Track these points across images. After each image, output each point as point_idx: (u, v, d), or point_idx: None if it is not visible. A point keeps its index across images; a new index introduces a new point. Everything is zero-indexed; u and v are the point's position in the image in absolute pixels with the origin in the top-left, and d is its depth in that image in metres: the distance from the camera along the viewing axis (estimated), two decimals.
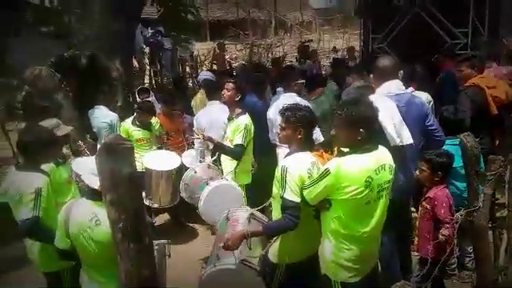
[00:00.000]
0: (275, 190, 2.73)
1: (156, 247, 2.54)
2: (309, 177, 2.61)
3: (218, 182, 4.00)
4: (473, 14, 7.82)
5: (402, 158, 3.21)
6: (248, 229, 2.74)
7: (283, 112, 2.81)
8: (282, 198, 2.59)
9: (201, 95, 5.93)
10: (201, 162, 4.63)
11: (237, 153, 4.16)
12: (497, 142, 4.70)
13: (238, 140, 4.12)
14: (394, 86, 3.35)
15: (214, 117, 4.69)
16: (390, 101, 3.24)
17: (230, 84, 4.27)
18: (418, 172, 3.34)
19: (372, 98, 3.09)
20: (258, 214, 3.06)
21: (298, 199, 2.57)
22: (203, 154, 4.80)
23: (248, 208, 3.26)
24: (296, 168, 2.61)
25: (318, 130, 4.61)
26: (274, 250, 2.82)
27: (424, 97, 4.24)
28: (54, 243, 2.57)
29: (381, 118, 3.04)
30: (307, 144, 2.82)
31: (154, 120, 5.27)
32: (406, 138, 3.20)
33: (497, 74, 5.06)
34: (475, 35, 7.87)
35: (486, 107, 4.51)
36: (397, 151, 3.10)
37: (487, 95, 4.51)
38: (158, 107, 6.05)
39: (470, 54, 5.47)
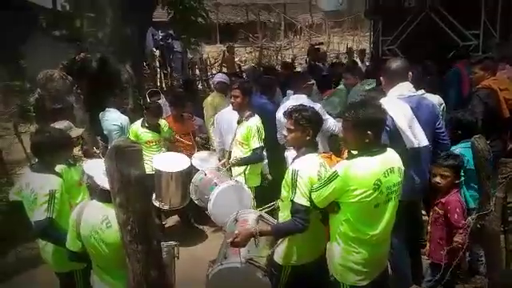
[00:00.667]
0: (284, 192, 2.73)
1: (165, 249, 2.55)
2: (319, 178, 2.61)
3: (228, 183, 4.02)
4: (484, 15, 7.73)
5: (418, 160, 3.20)
6: (257, 228, 2.74)
7: (290, 114, 2.80)
8: (292, 201, 2.59)
9: (212, 98, 5.94)
10: (220, 160, 4.71)
11: (258, 156, 4.25)
12: (509, 145, 4.63)
13: (256, 144, 4.17)
14: (406, 88, 3.34)
15: (231, 120, 4.67)
16: (403, 103, 3.23)
17: (237, 90, 4.27)
18: (437, 179, 3.28)
19: (384, 100, 3.09)
20: (267, 215, 3.05)
21: (307, 203, 2.57)
22: (222, 153, 4.85)
23: (257, 211, 3.26)
24: (306, 171, 2.61)
25: (334, 122, 4.62)
26: (279, 251, 2.82)
27: (435, 100, 4.21)
28: (66, 245, 2.60)
29: (396, 121, 3.05)
30: (314, 145, 2.82)
31: (163, 122, 5.30)
32: (422, 139, 3.19)
33: (510, 75, 4.99)
34: (487, 37, 7.77)
35: (499, 109, 4.45)
36: (413, 153, 3.09)
37: (500, 97, 4.46)
38: (169, 110, 6.09)
39: (483, 56, 5.39)
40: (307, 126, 2.73)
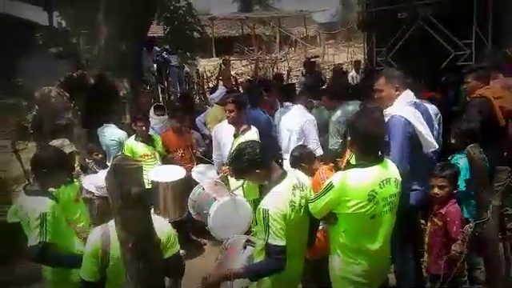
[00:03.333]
0: (259, 227, 2.51)
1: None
2: (292, 209, 2.47)
3: (227, 197, 4.03)
4: (476, 24, 7.84)
5: (430, 167, 3.26)
6: (231, 270, 2.56)
7: (229, 163, 2.72)
8: (266, 243, 2.41)
9: (215, 110, 5.97)
10: (218, 173, 4.70)
11: None
12: (505, 154, 4.65)
13: None
14: (410, 95, 3.37)
15: (229, 134, 4.65)
16: (413, 109, 3.26)
17: (230, 105, 4.27)
18: (436, 190, 3.25)
19: (395, 107, 3.12)
20: (255, 239, 2.84)
21: (282, 242, 2.39)
22: (220, 166, 4.84)
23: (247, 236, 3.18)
24: (277, 208, 2.41)
25: (317, 142, 4.64)
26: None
27: (432, 109, 4.25)
28: (79, 274, 2.38)
29: (415, 125, 3.08)
30: (275, 174, 2.58)
31: (156, 136, 5.32)
32: (435, 143, 3.25)
33: (503, 84, 5.04)
34: (479, 46, 7.86)
35: (494, 118, 4.48)
36: (427, 158, 3.15)
37: (494, 106, 4.49)
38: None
39: (477, 66, 5.42)
40: (252, 168, 2.54)
